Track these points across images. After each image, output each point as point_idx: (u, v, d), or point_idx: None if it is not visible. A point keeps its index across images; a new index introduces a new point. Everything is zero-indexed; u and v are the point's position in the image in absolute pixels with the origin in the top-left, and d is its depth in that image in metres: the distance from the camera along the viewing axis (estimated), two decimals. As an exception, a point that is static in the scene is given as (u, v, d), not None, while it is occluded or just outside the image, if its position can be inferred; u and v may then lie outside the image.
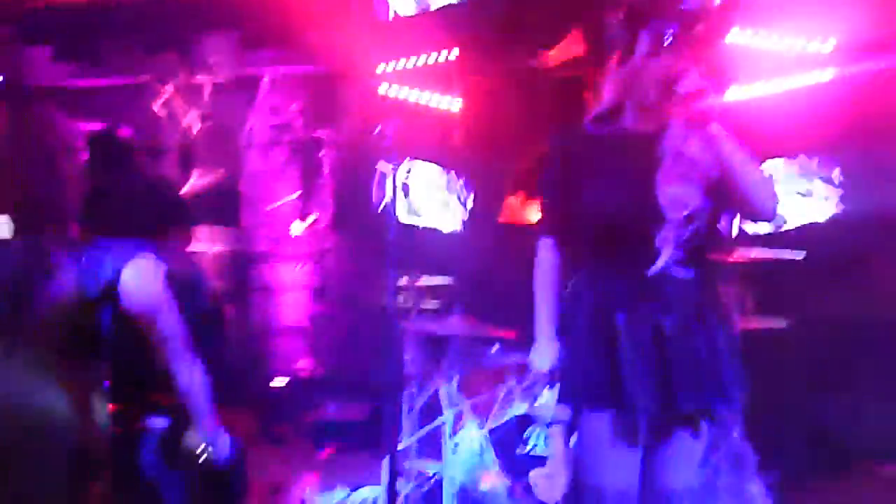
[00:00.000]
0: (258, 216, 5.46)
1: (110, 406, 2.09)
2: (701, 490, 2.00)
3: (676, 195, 1.85)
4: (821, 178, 4.26)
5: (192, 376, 2.08)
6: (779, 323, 3.21)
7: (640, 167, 1.87)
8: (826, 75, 4.32)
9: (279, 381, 5.05)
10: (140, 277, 2.00)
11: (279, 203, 5.40)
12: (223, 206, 4.16)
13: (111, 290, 1.98)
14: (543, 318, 1.97)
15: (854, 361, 4.45)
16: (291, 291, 5.44)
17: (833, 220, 4.22)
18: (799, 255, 3.27)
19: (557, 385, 2.08)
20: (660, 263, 1.86)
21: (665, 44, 1.85)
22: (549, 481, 2.92)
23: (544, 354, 1.96)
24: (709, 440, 1.99)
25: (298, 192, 5.39)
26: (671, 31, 1.85)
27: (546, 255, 2.01)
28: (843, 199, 4.20)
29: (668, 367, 1.88)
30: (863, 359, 4.44)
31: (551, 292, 1.99)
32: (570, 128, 2.03)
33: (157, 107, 5.38)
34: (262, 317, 5.49)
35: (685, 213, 1.85)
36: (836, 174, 4.23)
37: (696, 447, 1.96)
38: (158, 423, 2.18)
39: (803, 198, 4.26)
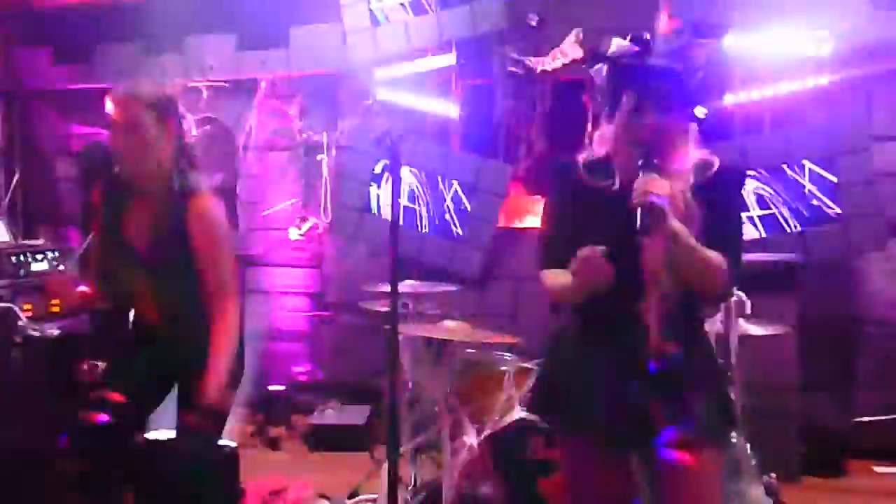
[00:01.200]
0: (256, 220, 5.44)
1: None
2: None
3: (656, 269, 1.84)
4: (814, 183, 4.25)
5: (233, 319, 2.33)
6: (775, 327, 3.20)
7: (627, 230, 1.83)
8: (823, 80, 4.32)
9: (277, 385, 5.04)
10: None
11: (277, 207, 5.39)
12: (223, 210, 4.15)
13: None
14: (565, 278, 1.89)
15: (850, 363, 4.47)
16: (289, 296, 5.43)
17: (828, 224, 4.21)
18: (795, 259, 3.27)
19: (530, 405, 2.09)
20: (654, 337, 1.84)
21: (647, 108, 1.83)
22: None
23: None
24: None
25: (296, 198, 5.38)
26: (654, 94, 1.83)
27: (547, 276, 2.00)
28: (836, 203, 4.19)
29: (654, 403, 1.87)
30: (858, 360, 4.46)
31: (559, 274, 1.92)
32: (567, 169, 2.00)
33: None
34: (259, 321, 5.47)
35: (665, 289, 1.85)
36: (829, 180, 4.22)
37: (701, 479, 1.91)
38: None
39: (795, 203, 4.25)
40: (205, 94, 5.32)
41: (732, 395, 2.68)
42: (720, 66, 4.10)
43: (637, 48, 1.92)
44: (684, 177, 1.88)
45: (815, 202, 4.24)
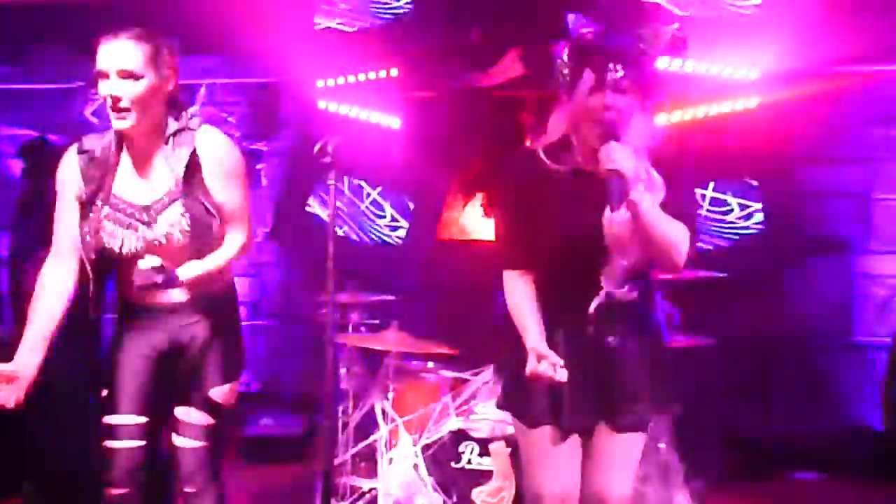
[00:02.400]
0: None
1: None
2: (632, 499, 2.08)
3: (620, 239, 1.89)
4: (741, 199, 4.44)
5: (245, 244, 2.24)
6: (703, 339, 3.33)
7: (589, 207, 1.90)
8: (751, 102, 4.53)
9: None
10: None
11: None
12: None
13: None
14: (535, 335, 1.93)
15: (771, 375, 4.67)
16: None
17: (752, 241, 4.40)
18: (722, 275, 3.42)
19: (497, 401, 2.14)
20: (602, 298, 1.91)
21: (608, 84, 1.86)
22: (495, 496, 2.97)
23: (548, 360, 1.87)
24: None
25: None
26: (615, 69, 1.86)
27: (517, 283, 2.01)
28: (761, 220, 4.39)
29: (609, 382, 1.96)
30: (778, 372, 4.67)
31: (533, 311, 1.97)
32: (521, 159, 2.03)
33: (88, 113, 5.24)
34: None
35: (628, 257, 1.91)
36: (755, 196, 4.42)
37: (633, 455, 2.05)
38: None
39: (725, 219, 4.43)
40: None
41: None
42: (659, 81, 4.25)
43: (597, 26, 1.97)
44: (643, 152, 1.91)
45: (740, 220, 4.43)
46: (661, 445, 3.07)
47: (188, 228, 2.15)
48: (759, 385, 4.73)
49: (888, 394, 4.33)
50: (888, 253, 4.72)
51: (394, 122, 4.93)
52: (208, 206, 2.16)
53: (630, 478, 2.06)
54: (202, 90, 5.30)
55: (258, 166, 5.17)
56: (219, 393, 2.24)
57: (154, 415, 2.23)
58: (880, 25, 4.56)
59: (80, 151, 2.19)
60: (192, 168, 2.15)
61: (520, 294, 2.00)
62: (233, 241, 2.23)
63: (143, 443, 2.20)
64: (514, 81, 4.65)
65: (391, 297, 3.77)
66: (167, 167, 2.16)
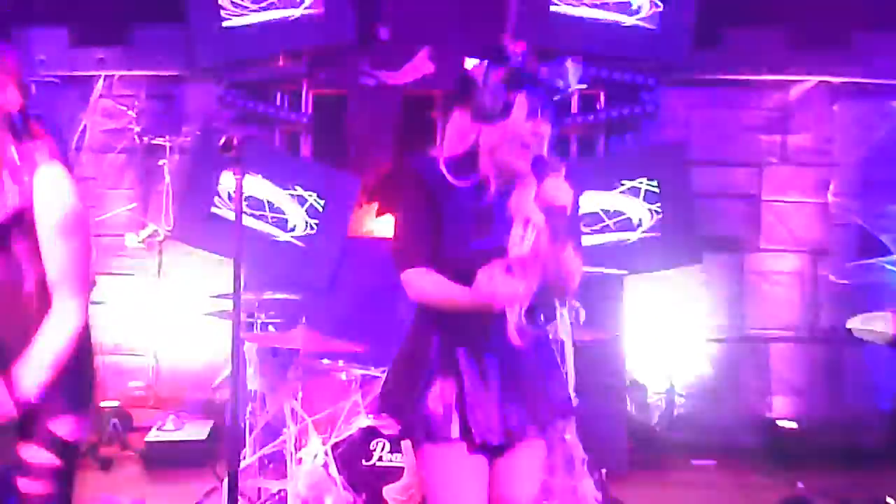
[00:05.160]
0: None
1: None
2: (539, 491, 2.12)
3: (525, 257, 1.87)
4: (639, 198, 4.61)
5: (73, 317, 1.92)
6: (605, 333, 3.44)
7: (493, 225, 1.91)
8: (649, 107, 4.71)
9: (110, 402, 4.75)
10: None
11: (112, 213, 5.10)
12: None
13: None
14: (459, 293, 1.89)
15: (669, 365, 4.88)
16: (126, 307, 5.14)
17: (649, 239, 4.58)
18: (622, 271, 3.54)
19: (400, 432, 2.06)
20: (512, 321, 1.87)
21: (538, 113, 1.90)
22: (405, 493, 2.97)
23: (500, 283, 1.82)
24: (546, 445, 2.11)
25: (134, 204, 5.12)
26: (548, 100, 1.92)
27: (421, 275, 1.96)
28: (658, 219, 4.56)
29: (511, 395, 1.96)
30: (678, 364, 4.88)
31: (448, 284, 1.92)
32: (428, 165, 2.00)
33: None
34: (91, 334, 5.14)
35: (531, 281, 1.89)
36: (654, 195, 4.59)
37: (537, 461, 2.08)
38: None
39: (622, 219, 4.59)
40: (33, 89, 4.96)
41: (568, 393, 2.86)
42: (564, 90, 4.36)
43: (520, 57, 2.00)
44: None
45: (639, 219, 4.60)
46: (567, 437, 3.15)
47: None
48: (659, 376, 4.94)
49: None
50: (776, 251, 5.02)
51: (302, 118, 4.86)
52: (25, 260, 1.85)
53: (537, 484, 2.09)
54: (99, 83, 5.07)
55: (160, 162, 4.99)
56: (62, 426, 1.95)
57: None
58: (773, 37, 4.86)
59: None
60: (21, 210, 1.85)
61: (426, 277, 1.94)
62: (63, 316, 1.91)
63: None
64: (426, 80, 4.67)
65: (298, 296, 3.72)
66: None
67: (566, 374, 3.17)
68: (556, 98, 1.96)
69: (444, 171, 1.97)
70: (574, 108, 4.72)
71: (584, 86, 3.65)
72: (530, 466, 2.06)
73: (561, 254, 1.89)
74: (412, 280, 1.97)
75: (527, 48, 2.06)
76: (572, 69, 1.96)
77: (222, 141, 2.13)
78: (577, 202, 2.01)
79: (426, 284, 1.95)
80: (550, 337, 2.12)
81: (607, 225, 4.57)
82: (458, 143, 1.99)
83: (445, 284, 1.92)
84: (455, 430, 1.92)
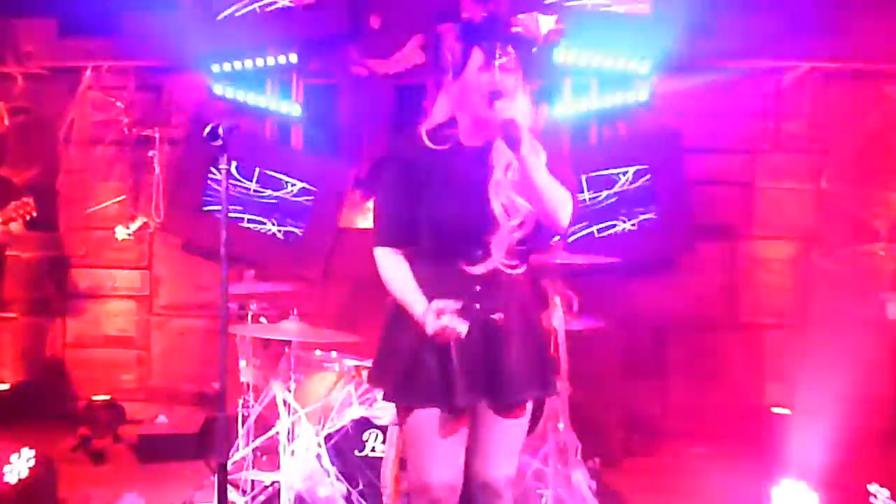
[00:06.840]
0: (78, 219, 5.09)
1: None
2: (531, 479, 2.12)
3: (507, 204, 1.96)
4: (633, 189, 4.60)
5: None
6: (597, 321, 3.43)
7: (474, 179, 1.98)
8: (642, 94, 4.69)
9: (101, 395, 4.73)
10: None
11: (103, 205, 5.07)
12: (37, 207, 3.82)
13: None
14: (421, 303, 1.96)
15: (665, 355, 4.87)
16: (117, 299, 5.12)
17: (644, 227, 4.57)
18: (615, 259, 3.53)
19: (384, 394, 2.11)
20: (490, 265, 1.96)
21: (496, 62, 1.95)
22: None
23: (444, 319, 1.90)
24: (539, 433, 2.10)
25: (124, 196, 5.08)
26: (502, 49, 1.95)
27: (389, 259, 2.04)
28: (653, 209, 4.55)
29: (496, 361, 1.98)
30: (671, 351, 4.86)
31: (412, 281, 2.00)
32: (407, 139, 2.06)
33: None
34: (83, 326, 5.13)
35: (515, 221, 1.97)
36: (646, 187, 4.58)
37: (516, 437, 2.08)
38: None
39: (617, 207, 4.58)
40: (20, 81, 4.94)
41: (559, 385, 2.86)
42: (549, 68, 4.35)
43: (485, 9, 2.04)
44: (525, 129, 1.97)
45: (634, 208, 4.59)
46: (560, 426, 3.15)
47: None
48: (653, 364, 4.92)
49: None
50: (770, 238, 5.01)
51: (294, 108, 4.83)
52: None
53: (514, 459, 2.09)
54: (87, 74, 5.02)
55: (150, 153, 4.95)
56: None
57: None
58: (767, 23, 4.83)
59: None
60: None
61: (393, 268, 2.03)
62: None
63: None
64: (417, 69, 4.64)
65: (290, 288, 3.70)
66: None
67: (559, 360, 3.17)
68: (533, 50, 1.99)
69: (426, 139, 2.02)
70: (566, 95, 4.70)
71: (560, 36, 3.65)
72: (507, 441, 2.06)
73: (537, 181, 1.91)
74: (381, 260, 2.05)
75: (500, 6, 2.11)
76: (543, 20, 1.98)
77: (207, 129, 2.12)
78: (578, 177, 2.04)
79: (392, 274, 2.03)
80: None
81: (600, 213, 4.55)
82: (441, 110, 2.05)
83: (406, 286, 2.00)
84: (439, 394, 1.95)
